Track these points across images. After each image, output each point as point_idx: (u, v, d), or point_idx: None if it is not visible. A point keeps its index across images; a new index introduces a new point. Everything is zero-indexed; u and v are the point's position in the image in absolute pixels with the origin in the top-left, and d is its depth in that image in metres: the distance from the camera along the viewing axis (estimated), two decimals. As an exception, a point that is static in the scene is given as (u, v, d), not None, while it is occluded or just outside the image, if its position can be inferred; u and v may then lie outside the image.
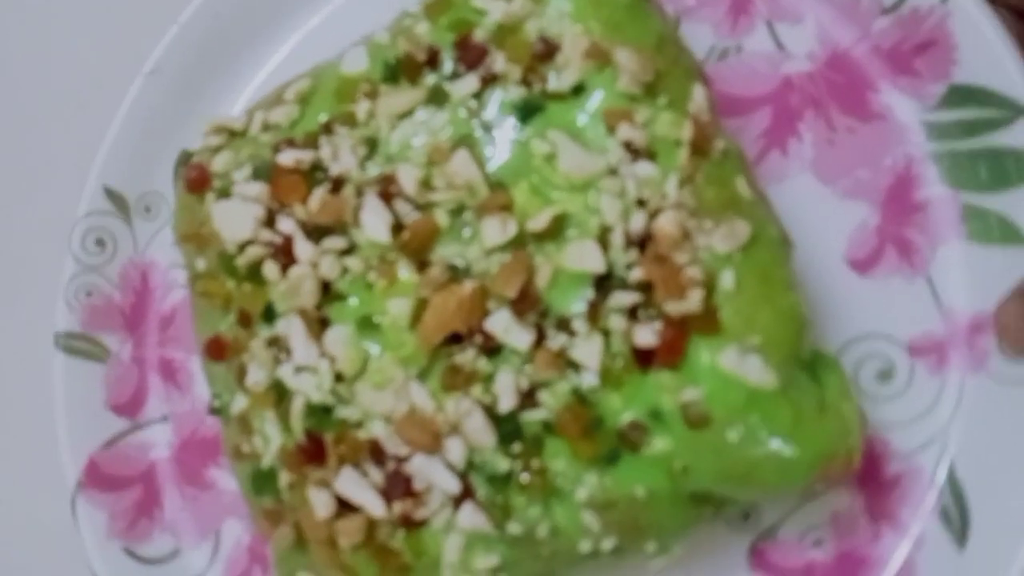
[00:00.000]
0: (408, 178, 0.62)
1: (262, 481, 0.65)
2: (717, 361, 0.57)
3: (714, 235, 0.59)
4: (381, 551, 0.61)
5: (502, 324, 0.59)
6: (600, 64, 0.62)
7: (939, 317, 0.66)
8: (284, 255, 0.65)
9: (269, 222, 0.66)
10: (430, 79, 0.65)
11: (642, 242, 0.59)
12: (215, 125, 0.71)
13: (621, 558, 0.62)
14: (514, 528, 0.60)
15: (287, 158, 0.66)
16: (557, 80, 0.62)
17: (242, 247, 0.66)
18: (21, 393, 0.83)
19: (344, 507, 0.62)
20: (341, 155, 0.65)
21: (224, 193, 0.68)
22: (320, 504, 0.62)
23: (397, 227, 0.62)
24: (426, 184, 0.63)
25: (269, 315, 0.65)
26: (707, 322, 0.57)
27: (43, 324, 0.77)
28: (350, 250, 0.64)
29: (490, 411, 0.59)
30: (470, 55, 0.64)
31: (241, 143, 0.70)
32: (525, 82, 0.63)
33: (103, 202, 0.79)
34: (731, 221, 0.59)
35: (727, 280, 0.58)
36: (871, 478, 0.65)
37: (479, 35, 0.64)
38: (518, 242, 0.60)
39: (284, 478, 0.63)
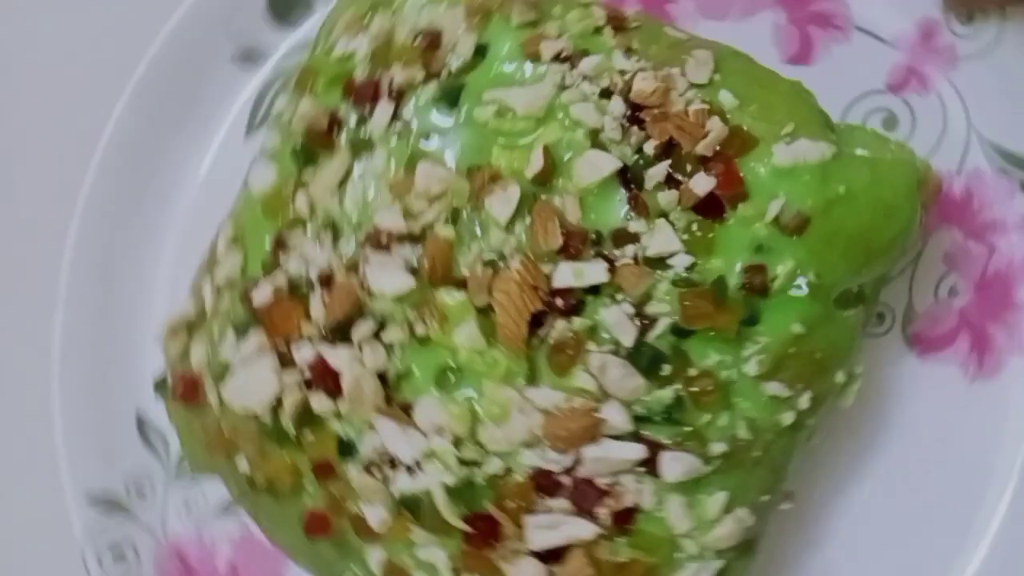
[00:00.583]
0: (391, 219, 0.58)
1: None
2: (774, 164, 0.55)
3: (686, 74, 0.58)
4: (619, 572, 0.55)
5: (569, 274, 0.55)
6: (485, 17, 0.60)
7: (892, 48, 0.67)
8: (324, 379, 0.58)
9: (286, 362, 0.59)
10: (343, 138, 0.62)
11: (634, 118, 0.57)
12: (170, 328, 0.64)
13: (823, 411, 0.57)
14: (717, 448, 0.55)
15: (262, 295, 0.60)
16: (457, 56, 0.60)
17: (275, 407, 0.59)
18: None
19: (553, 558, 0.55)
20: (310, 255, 0.60)
21: (222, 375, 0.61)
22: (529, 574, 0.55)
23: (412, 269, 0.58)
24: (409, 215, 0.58)
25: (347, 448, 0.58)
26: (741, 139, 0.55)
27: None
28: (382, 325, 0.58)
29: (619, 356, 0.54)
30: (365, 93, 0.61)
31: (204, 324, 0.63)
32: (432, 76, 0.61)
33: (96, 517, 0.71)
34: (689, 56, 0.58)
35: (727, 99, 0.57)
36: (948, 204, 0.64)
37: (360, 74, 0.62)
38: (528, 199, 0.57)
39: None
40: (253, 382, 0.60)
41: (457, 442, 0.56)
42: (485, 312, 0.57)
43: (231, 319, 0.62)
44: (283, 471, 0.60)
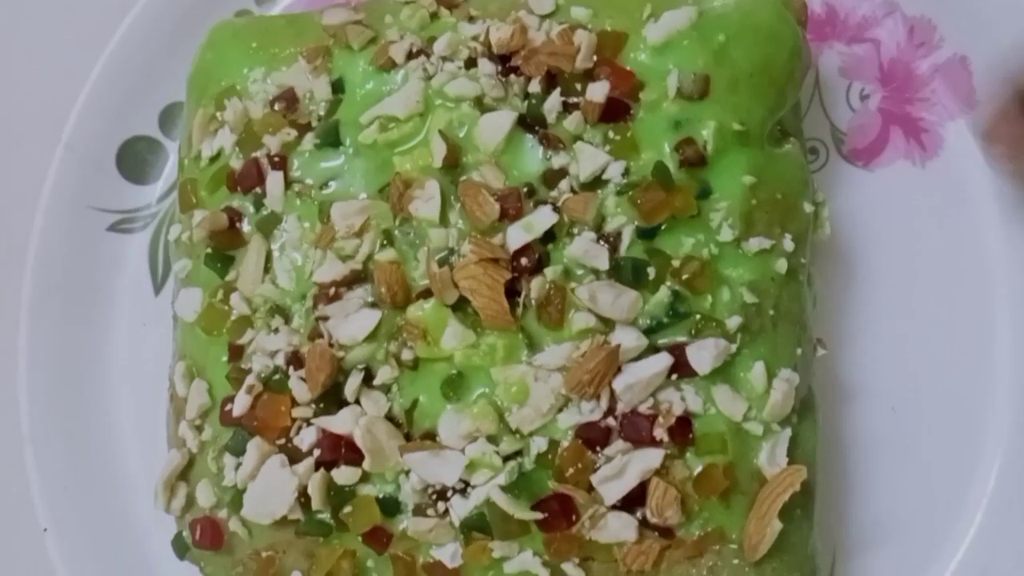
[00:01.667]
0: (330, 271, 0.56)
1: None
2: (651, 46, 0.56)
3: (532, 10, 0.58)
4: (705, 483, 0.53)
5: (520, 232, 0.54)
6: (326, 56, 0.60)
7: None
8: (337, 450, 0.55)
9: (293, 455, 0.56)
10: (248, 226, 0.60)
11: (507, 68, 0.57)
12: (164, 485, 0.60)
13: (808, 247, 0.57)
14: (733, 323, 0.54)
15: (241, 405, 0.57)
16: (318, 101, 0.60)
17: (303, 502, 0.56)
18: None
19: (635, 503, 0.53)
20: (269, 346, 0.58)
21: (237, 501, 0.57)
22: (622, 528, 0.52)
23: (372, 304, 0.56)
24: (346, 258, 0.57)
25: (390, 505, 0.56)
26: (611, 39, 0.56)
27: None
28: (369, 372, 0.56)
29: (606, 277, 0.54)
30: (249, 176, 0.60)
31: (197, 464, 0.60)
32: (304, 130, 0.60)
33: None
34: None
35: (580, 13, 0.58)
36: (818, 25, 0.65)
37: (236, 163, 0.61)
38: (449, 187, 0.56)
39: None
40: (270, 490, 0.56)
41: (493, 440, 0.54)
42: (460, 307, 0.55)
43: (222, 445, 0.59)
44: (341, 561, 0.56)
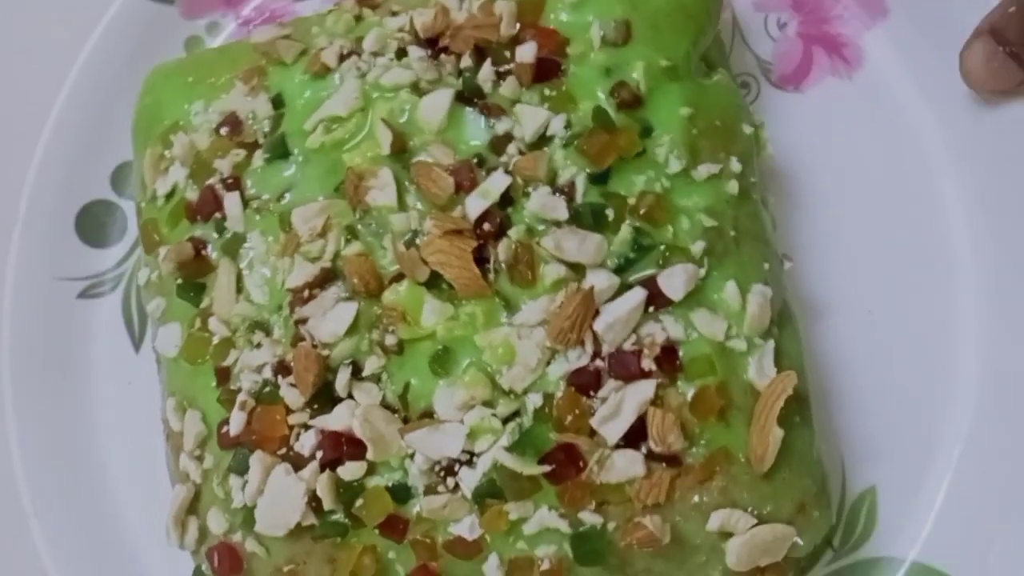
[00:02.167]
0: (300, 274, 0.57)
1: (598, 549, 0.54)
2: (568, 2, 0.59)
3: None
4: (700, 405, 0.54)
5: (478, 200, 0.56)
6: (261, 75, 0.62)
7: None
8: (339, 447, 0.56)
9: (296, 462, 0.57)
10: (214, 251, 0.61)
11: (436, 51, 0.59)
12: (174, 522, 0.60)
13: (755, 167, 0.59)
14: (697, 248, 0.56)
15: (237, 423, 0.57)
16: (261, 120, 0.62)
17: (314, 507, 0.56)
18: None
19: (638, 438, 0.54)
20: (254, 362, 0.58)
21: (249, 520, 0.57)
22: (629, 465, 0.53)
23: (349, 299, 0.57)
24: (314, 259, 0.58)
25: (400, 491, 0.56)
26: (529, 4, 0.58)
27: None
28: (356, 366, 0.57)
29: (568, 226, 0.55)
30: (207, 202, 0.61)
31: (203, 493, 0.60)
32: (252, 148, 0.61)
33: None
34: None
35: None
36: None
37: (192, 195, 0.62)
38: (402, 173, 0.58)
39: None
40: (280, 500, 0.56)
41: (489, 405, 0.55)
42: (433, 284, 0.56)
43: (225, 469, 0.59)
44: (362, 558, 0.56)
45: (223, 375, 0.60)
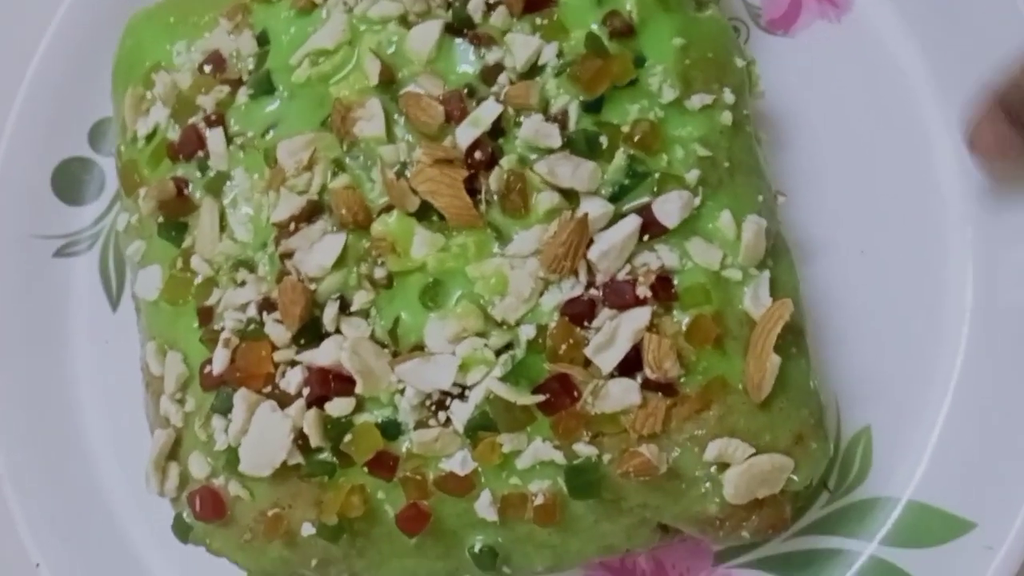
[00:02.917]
0: (286, 207, 0.56)
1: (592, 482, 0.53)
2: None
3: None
4: (696, 333, 0.53)
5: (469, 129, 0.55)
6: (245, 12, 0.61)
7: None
8: (326, 383, 0.54)
9: (282, 399, 0.55)
10: (196, 190, 0.60)
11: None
12: (154, 467, 0.58)
13: (747, 99, 0.59)
14: (692, 176, 0.55)
15: (220, 362, 0.56)
16: (245, 57, 0.61)
17: (301, 445, 0.55)
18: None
19: (632, 367, 0.53)
20: (238, 300, 0.57)
21: (233, 462, 0.55)
22: (624, 394, 0.52)
23: (336, 231, 0.56)
24: (299, 192, 0.57)
25: (390, 428, 0.54)
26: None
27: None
28: (344, 300, 0.55)
29: (562, 152, 0.54)
30: (189, 141, 0.60)
31: (185, 437, 0.58)
32: (236, 85, 0.60)
33: None
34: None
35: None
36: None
37: (173, 134, 0.61)
38: (391, 104, 0.57)
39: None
40: (265, 438, 0.55)
41: (481, 335, 0.54)
42: (423, 215, 0.55)
43: (207, 410, 0.57)
44: (350, 497, 0.55)
45: (206, 315, 0.58)
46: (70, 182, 0.75)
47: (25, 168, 0.74)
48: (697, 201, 0.54)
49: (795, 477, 0.54)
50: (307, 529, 0.56)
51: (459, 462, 0.54)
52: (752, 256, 0.55)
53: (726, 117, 0.56)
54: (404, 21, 0.58)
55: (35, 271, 0.74)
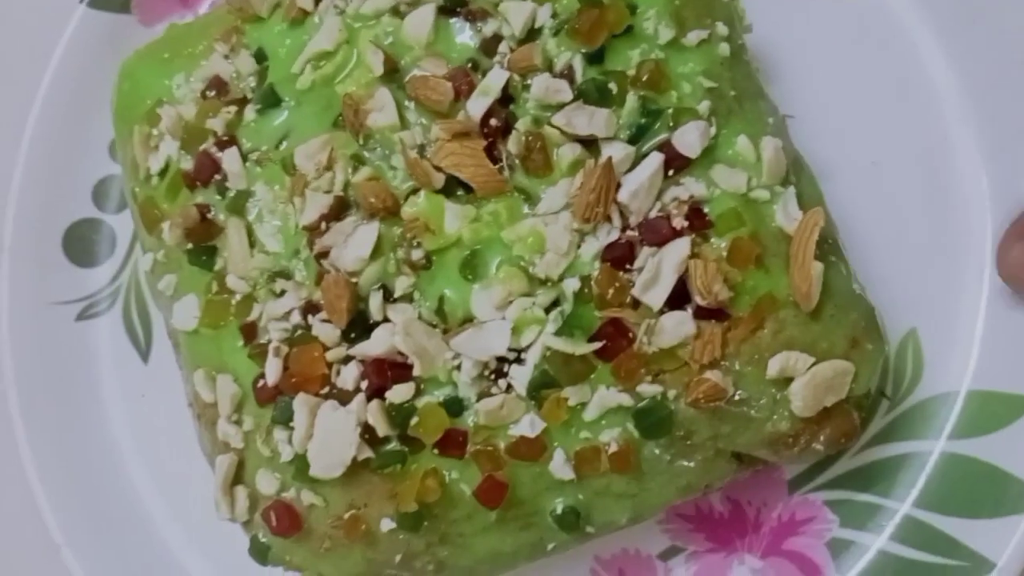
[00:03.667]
0: (314, 209, 0.57)
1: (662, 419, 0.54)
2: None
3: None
4: (737, 256, 0.54)
5: (480, 100, 0.56)
6: (239, 34, 0.62)
7: None
8: (383, 373, 0.55)
9: (342, 397, 0.55)
10: (219, 212, 0.60)
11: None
12: (222, 491, 0.58)
13: (739, 31, 0.60)
14: (703, 107, 0.56)
15: (273, 372, 0.56)
16: (246, 77, 0.61)
17: (368, 439, 0.55)
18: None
19: (681, 299, 0.54)
20: (280, 310, 0.57)
21: (303, 470, 0.55)
22: (678, 326, 0.53)
23: (368, 222, 0.56)
24: (324, 192, 0.57)
25: (454, 404, 0.55)
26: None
27: None
28: (387, 288, 0.56)
29: (575, 104, 0.55)
30: (205, 166, 0.60)
31: (249, 457, 0.58)
32: (242, 104, 0.61)
33: None
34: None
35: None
36: None
37: (187, 164, 0.61)
38: (399, 92, 0.58)
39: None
40: (332, 438, 0.55)
41: (528, 296, 0.54)
42: (450, 191, 0.56)
43: (268, 425, 0.57)
44: (425, 482, 0.55)
45: (250, 331, 0.58)
46: (81, 245, 0.76)
47: (35, 237, 0.75)
48: (713, 130, 0.56)
49: (857, 382, 0.55)
50: (386, 524, 0.56)
51: (527, 425, 0.54)
52: (775, 174, 0.56)
53: (723, 49, 0.58)
54: (397, 12, 0.59)
55: (60, 338, 0.74)
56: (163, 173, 0.63)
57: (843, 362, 0.54)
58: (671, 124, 0.55)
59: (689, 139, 0.54)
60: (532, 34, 0.57)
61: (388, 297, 0.56)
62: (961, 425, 0.60)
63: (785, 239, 0.55)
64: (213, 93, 0.62)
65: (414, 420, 0.55)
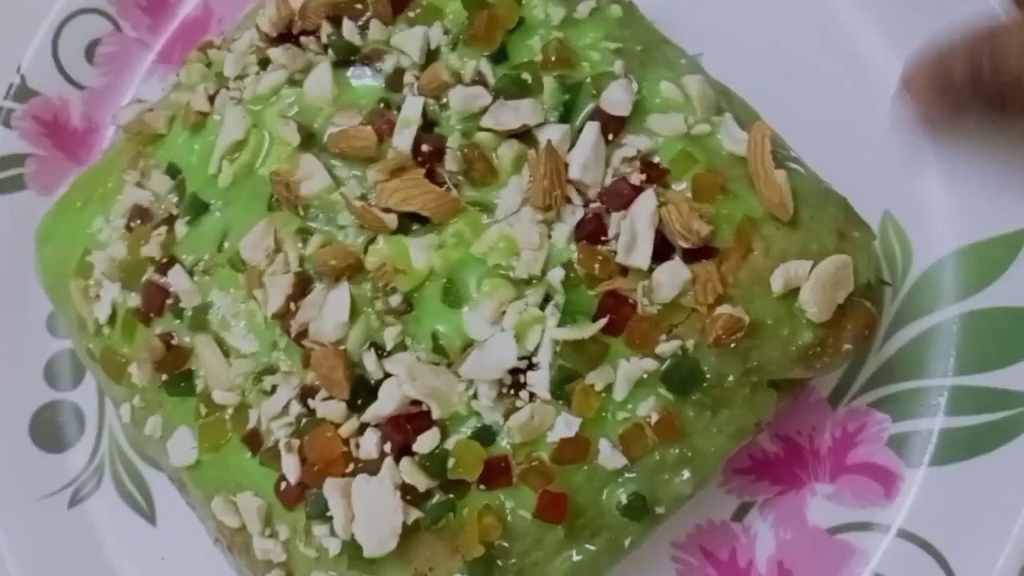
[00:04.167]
0: (280, 294, 0.55)
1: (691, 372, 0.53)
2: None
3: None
4: (702, 190, 0.54)
5: (405, 135, 0.55)
6: (142, 158, 0.61)
7: None
8: (403, 429, 0.52)
9: (369, 467, 0.52)
10: (185, 335, 0.58)
11: (293, 38, 0.60)
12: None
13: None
14: (619, 66, 0.56)
15: (292, 470, 0.53)
16: (163, 198, 0.60)
17: (410, 495, 0.52)
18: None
19: (668, 249, 0.53)
20: (276, 408, 0.55)
21: (358, 558, 0.52)
22: (673, 275, 0.52)
23: (338, 289, 0.55)
24: (278, 274, 0.55)
25: (484, 433, 0.53)
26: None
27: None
28: (377, 346, 0.54)
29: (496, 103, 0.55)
30: (154, 299, 0.58)
31: (295, 563, 0.55)
32: (170, 223, 0.59)
33: None
34: None
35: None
36: None
37: (138, 302, 0.59)
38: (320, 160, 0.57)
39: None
40: (375, 512, 0.52)
41: (517, 300, 0.53)
42: (405, 227, 0.55)
43: (305, 524, 0.54)
44: (483, 520, 0.52)
45: (254, 440, 0.56)
46: (50, 431, 0.72)
47: (2, 437, 0.71)
48: (634, 85, 0.56)
49: (858, 271, 0.54)
50: (460, 581, 0.53)
51: (563, 426, 0.52)
52: (707, 107, 0.56)
53: (615, 11, 0.58)
54: (293, 82, 0.59)
55: (58, 531, 0.70)
56: (112, 320, 0.60)
57: (838, 256, 0.54)
58: (594, 92, 0.55)
59: (616, 99, 0.54)
60: (432, 55, 0.57)
61: (381, 353, 0.54)
62: (966, 283, 0.60)
63: (741, 162, 0.55)
64: (138, 222, 0.60)
65: (450, 463, 0.52)
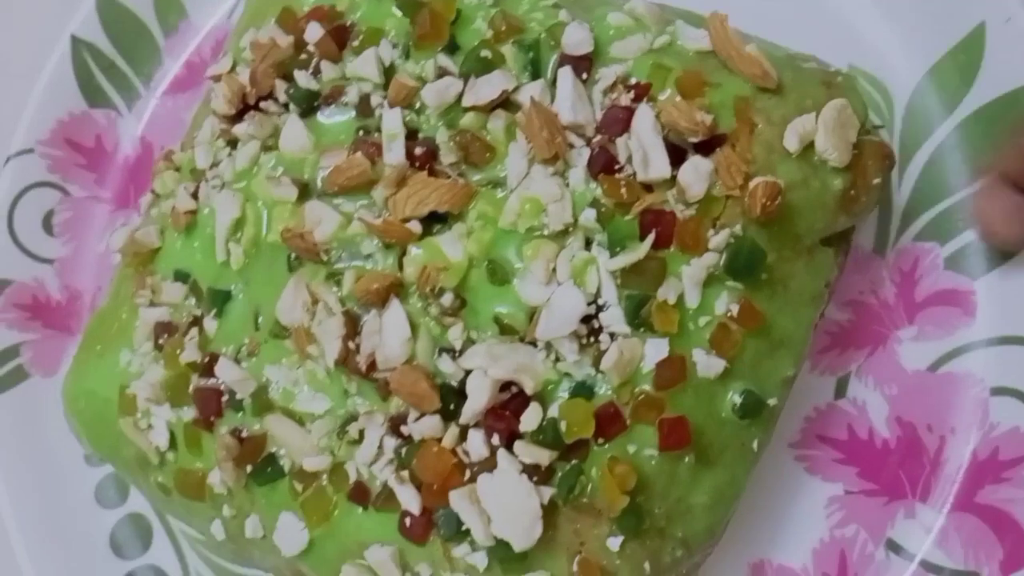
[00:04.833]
0: (333, 342, 0.53)
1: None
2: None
3: None
4: (686, 86, 0.55)
5: (395, 150, 0.55)
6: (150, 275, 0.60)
7: None
8: (503, 413, 0.51)
9: (489, 465, 0.51)
10: (256, 428, 0.56)
11: (253, 105, 0.60)
12: None
13: None
14: (564, 15, 0.57)
15: (410, 501, 0.52)
16: (183, 306, 0.59)
17: (538, 475, 0.51)
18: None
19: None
20: (369, 452, 0.53)
21: (510, 560, 0.51)
22: (696, 169, 0.53)
23: (391, 310, 0.54)
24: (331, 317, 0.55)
25: (584, 390, 0.52)
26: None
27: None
28: (450, 350, 0.53)
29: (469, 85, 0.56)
30: (210, 405, 0.57)
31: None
32: (199, 323, 0.58)
33: None
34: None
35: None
36: None
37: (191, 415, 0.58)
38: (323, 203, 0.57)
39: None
40: (510, 505, 0.50)
41: (563, 251, 0.53)
42: (428, 228, 0.54)
43: (443, 551, 0.52)
44: (616, 474, 0.51)
45: (360, 493, 0.54)
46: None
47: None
48: (586, 26, 0.57)
49: (856, 109, 0.56)
50: (614, 544, 0.52)
51: (654, 351, 0.52)
52: (658, 20, 0.58)
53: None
54: (268, 147, 0.59)
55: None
56: (173, 442, 0.58)
57: (834, 100, 0.55)
58: (553, 43, 0.56)
59: (576, 39, 0.56)
60: (389, 72, 0.58)
61: (453, 355, 0.53)
62: (950, 95, 0.62)
63: (710, 55, 0.56)
64: (165, 337, 0.59)
65: (562, 428, 0.51)
